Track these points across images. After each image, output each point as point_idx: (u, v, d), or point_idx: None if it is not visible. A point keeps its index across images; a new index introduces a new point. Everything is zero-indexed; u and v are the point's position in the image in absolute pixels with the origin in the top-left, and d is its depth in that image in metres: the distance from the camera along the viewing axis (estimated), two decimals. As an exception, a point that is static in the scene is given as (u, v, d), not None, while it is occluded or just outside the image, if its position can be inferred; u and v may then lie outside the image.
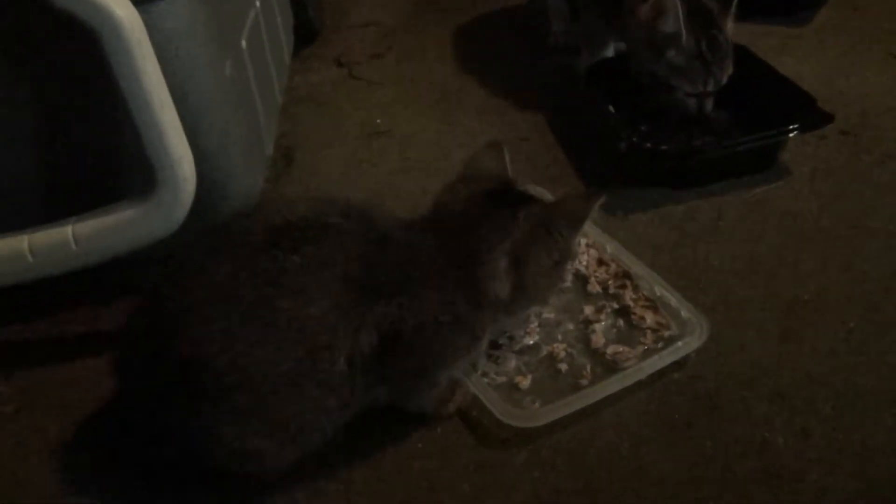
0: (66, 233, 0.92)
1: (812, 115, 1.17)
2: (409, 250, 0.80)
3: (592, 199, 0.86)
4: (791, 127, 1.16)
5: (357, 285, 0.76)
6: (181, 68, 0.93)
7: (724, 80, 1.24)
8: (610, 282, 1.04)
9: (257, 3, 1.24)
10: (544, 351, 0.96)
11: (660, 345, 0.95)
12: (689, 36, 1.20)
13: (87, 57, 0.86)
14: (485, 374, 0.92)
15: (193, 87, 0.95)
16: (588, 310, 1.00)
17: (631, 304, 1.00)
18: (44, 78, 0.93)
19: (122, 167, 0.99)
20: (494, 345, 0.95)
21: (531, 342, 0.97)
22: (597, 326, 0.98)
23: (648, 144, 1.17)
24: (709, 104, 1.26)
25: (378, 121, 1.46)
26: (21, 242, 0.92)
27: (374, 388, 0.80)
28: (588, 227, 1.10)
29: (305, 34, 1.68)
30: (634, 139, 1.17)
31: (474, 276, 0.80)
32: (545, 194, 1.13)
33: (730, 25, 1.24)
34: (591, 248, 1.08)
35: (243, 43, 1.12)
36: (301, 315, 0.73)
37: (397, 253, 0.79)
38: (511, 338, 0.96)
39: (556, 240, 0.84)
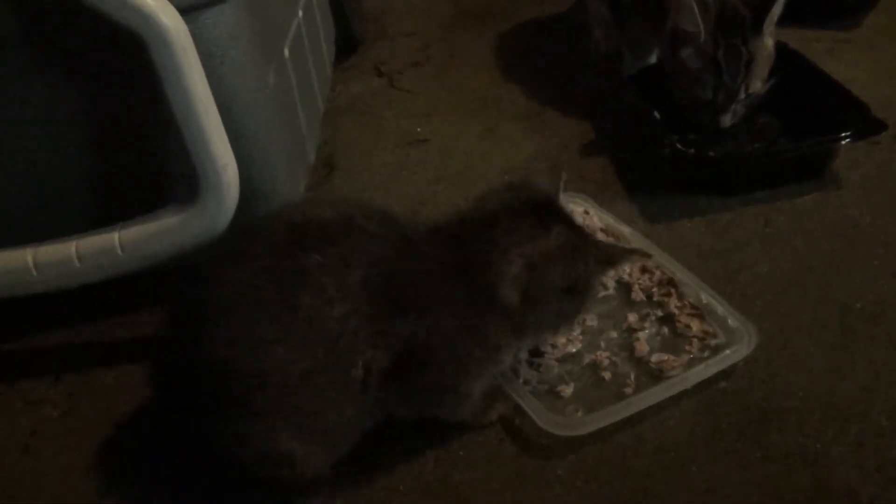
0: (112, 239, 0.93)
1: (865, 122, 1.13)
2: (429, 261, 0.78)
3: (629, 253, 0.86)
4: (843, 135, 1.13)
5: (376, 292, 0.75)
6: (226, 76, 0.94)
7: (741, 94, 1.19)
8: (654, 289, 1.02)
9: (300, 13, 1.25)
10: (587, 359, 0.94)
11: (706, 353, 0.93)
12: (709, 39, 1.17)
13: (133, 64, 0.88)
14: (527, 382, 0.91)
15: (238, 96, 0.95)
16: (632, 317, 0.99)
17: (676, 311, 0.98)
18: (90, 85, 0.94)
19: (167, 174, 1.00)
20: (536, 353, 0.94)
21: (574, 350, 0.95)
22: (641, 334, 0.96)
23: (692, 151, 1.15)
24: (726, 118, 1.21)
25: (418, 129, 1.46)
26: (68, 248, 0.93)
27: (395, 405, 0.80)
28: (632, 234, 1.08)
29: (346, 44, 1.69)
30: (678, 145, 1.15)
31: (488, 278, 0.78)
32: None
33: (765, 39, 1.20)
34: (634, 255, 1.06)
35: (286, 52, 1.13)
36: (321, 315, 0.73)
37: (417, 262, 0.78)
38: (553, 346, 0.95)
39: (578, 267, 0.80)
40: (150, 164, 0.99)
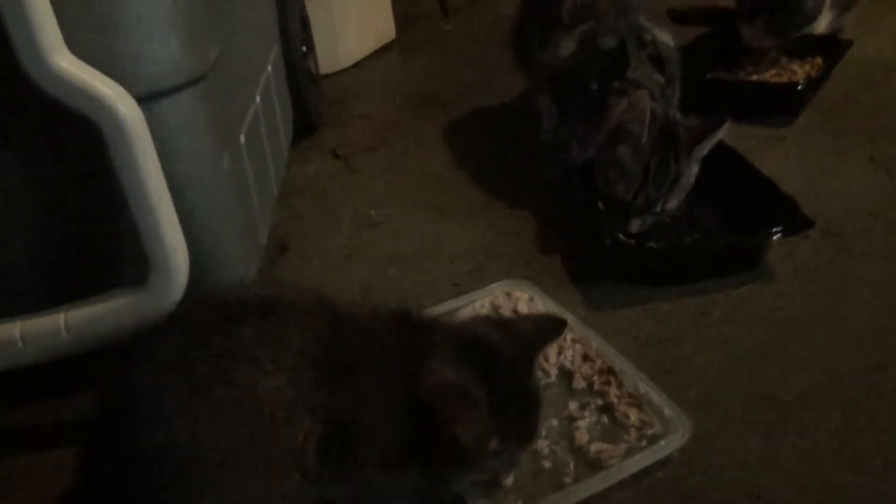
0: (57, 320, 0.93)
1: (795, 218, 1.20)
2: (361, 339, 0.80)
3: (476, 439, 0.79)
4: (774, 230, 1.19)
5: (312, 366, 0.76)
6: (180, 162, 0.96)
7: (659, 206, 1.24)
8: (595, 377, 1.04)
9: (257, 99, 1.29)
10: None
11: (643, 443, 0.95)
12: (648, 144, 1.22)
13: (87, 148, 0.89)
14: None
15: (191, 181, 0.98)
16: (572, 406, 1.01)
17: (615, 400, 1.00)
18: (43, 166, 0.96)
19: (117, 255, 1.01)
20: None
21: (515, 438, 0.97)
22: (581, 423, 0.98)
23: (633, 241, 1.20)
24: (636, 223, 1.24)
25: (371, 212, 1.50)
26: (13, 329, 0.93)
27: (331, 486, 0.80)
28: (574, 321, 1.11)
29: (304, 126, 1.73)
30: (620, 235, 1.20)
31: (413, 377, 0.79)
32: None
33: (693, 165, 1.25)
34: (576, 342, 1.09)
35: (242, 137, 1.15)
36: (256, 388, 0.73)
37: (349, 340, 0.79)
38: (496, 432, 0.96)
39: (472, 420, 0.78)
40: (100, 245, 1.00)
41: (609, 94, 1.30)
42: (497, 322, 0.92)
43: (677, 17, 2.04)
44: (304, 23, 1.79)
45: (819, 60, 1.77)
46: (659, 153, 1.23)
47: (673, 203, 1.26)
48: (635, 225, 1.24)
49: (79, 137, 0.89)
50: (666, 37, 1.46)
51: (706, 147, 1.25)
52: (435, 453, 0.79)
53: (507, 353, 0.84)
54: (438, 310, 1.13)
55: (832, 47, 1.78)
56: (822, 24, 1.80)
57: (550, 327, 0.91)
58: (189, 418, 0.72)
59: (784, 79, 1.74)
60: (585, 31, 1.43)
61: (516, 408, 0.82)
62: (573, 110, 1.45)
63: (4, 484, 0.96)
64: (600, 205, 1.27)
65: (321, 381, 0.76)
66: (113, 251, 1.00)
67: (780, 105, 1.69)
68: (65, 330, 0.93)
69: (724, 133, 1.26)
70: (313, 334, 0.78)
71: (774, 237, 1.19)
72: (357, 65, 2.21)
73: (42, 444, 1.00)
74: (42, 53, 0.81)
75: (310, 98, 1.72)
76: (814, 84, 1.70)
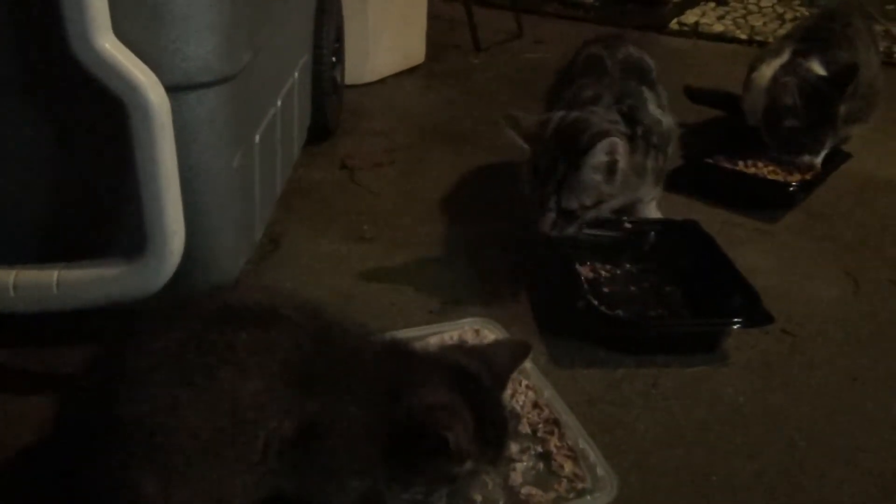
0: (51, 276, 0.99)
1: (756, 312, 1.27)
2: (348, 357, 0.87)
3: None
4: (734, 320, 1.27)
5: (292, 375, 0.83)
6: (194, 153, 1.03)
7: (550, 203, 1.32)
8: (540, 425, 1.10)
9: (279, 103, 1.35)
10: (462, 477, 1.01)
11: (571, 495, 1.00)
12: (545, 147, 1.33)
13: (111, 124, 0.96)
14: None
15: (201, 172, 1.04)
16: (514, 447, 1.06)
17: (554, 450, 1.06)
18: (71, 134, 1.02)
19: (118, 227, 1.07)
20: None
21: (454, 467, 1.02)
22: (518, 465, 1.04)
23: (603, 308, 1.26)
24: (544, 221, 1.33)
25: (365, 227, 1.56)
26: (7, 276, 0.99)
27: (287, 478, 0.86)
28: (532, 369, 1.17)
29: (318, 132, 1.80)
30: (593, 301, 1.26)
31: (400, 396, 0.86)
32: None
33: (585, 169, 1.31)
34: (530, 389, 1.15)
35: (257, 138, 1.22)
36: (236, 388, 0.80)
37: (335, 356, 0.86)
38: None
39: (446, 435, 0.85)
40: (103, 214, 1.06)
41: None
42: (470, 350, 0.99)
43: (692, 95, 2.13)
44: (339, 34, 1.87)
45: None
46: (552, 153, 1.32)
47: (573, 203, 1.32)
48: (544, 223, 1.33)
49: (105, 112, 0.95)
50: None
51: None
52: (419, 465, 0.88)
53: (486, 382, 0.92)
54: (408, 334, 1.19)
55: (832, 155, 1.85)
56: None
57: (518, 353, 1.00)
58: (170, 400, 0.79)
59: (780, 177, 1.81)
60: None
61: (493, 433, 0.90)
62: None
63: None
64: (577, 268, 1.35)
65: (298, 392, 0.83)
66: (114, 223, 1.06)
67: (771, 201, 1.76)
68: (56, 286, 0.99)
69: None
70: (300, 349, 0.84)
71: (734, 327, 1.26)
72: (381, 81, 2.28)
73: (12, 389, 1.05)
74: (90, 34, 0.88)
75: (329, 106, 1.79)
76: (807, 187, 1.77)
